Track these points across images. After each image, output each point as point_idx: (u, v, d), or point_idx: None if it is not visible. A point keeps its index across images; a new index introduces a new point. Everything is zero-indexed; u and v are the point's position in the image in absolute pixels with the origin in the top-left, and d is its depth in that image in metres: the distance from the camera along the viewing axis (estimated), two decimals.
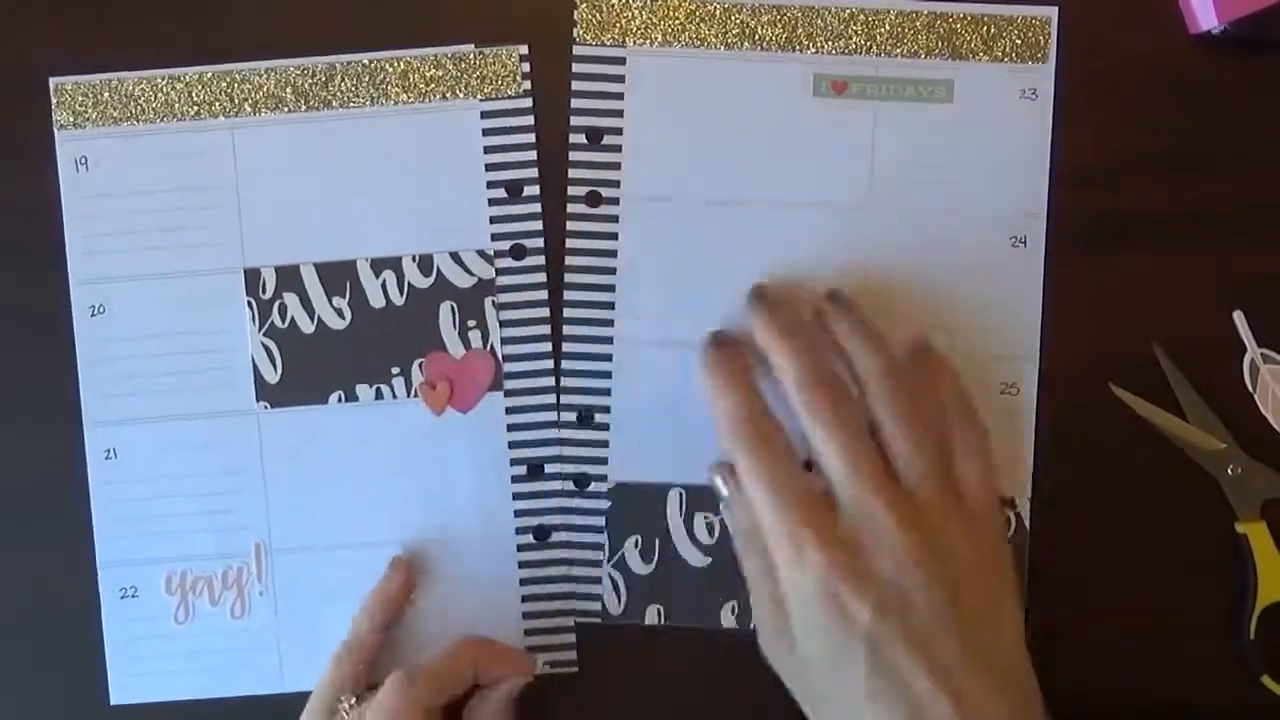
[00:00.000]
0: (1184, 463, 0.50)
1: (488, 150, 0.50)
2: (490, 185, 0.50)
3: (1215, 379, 0.50)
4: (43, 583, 0.50)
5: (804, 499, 0.43)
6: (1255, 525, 0.49)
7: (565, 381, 0.50)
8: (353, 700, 0.45)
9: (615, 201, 0.50)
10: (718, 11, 0.50)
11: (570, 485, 0.50)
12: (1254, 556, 0.49)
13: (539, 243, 0.50)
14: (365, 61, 0.49)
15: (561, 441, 0.50)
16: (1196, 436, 0.49)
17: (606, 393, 0.50)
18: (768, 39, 0.50)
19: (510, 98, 0.50)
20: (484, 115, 0.50)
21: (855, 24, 0.50)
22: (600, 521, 0.50)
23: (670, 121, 0.50)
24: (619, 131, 0.50)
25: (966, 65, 0.50)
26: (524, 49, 0.50)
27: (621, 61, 0.50)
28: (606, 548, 0.50)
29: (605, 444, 0.50)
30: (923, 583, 0.41)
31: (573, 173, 0.50)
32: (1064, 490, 0.50)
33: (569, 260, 0.50)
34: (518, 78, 0.50)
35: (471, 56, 0.50)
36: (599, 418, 0.50)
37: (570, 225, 0.50)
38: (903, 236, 0.50)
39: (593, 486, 0.50)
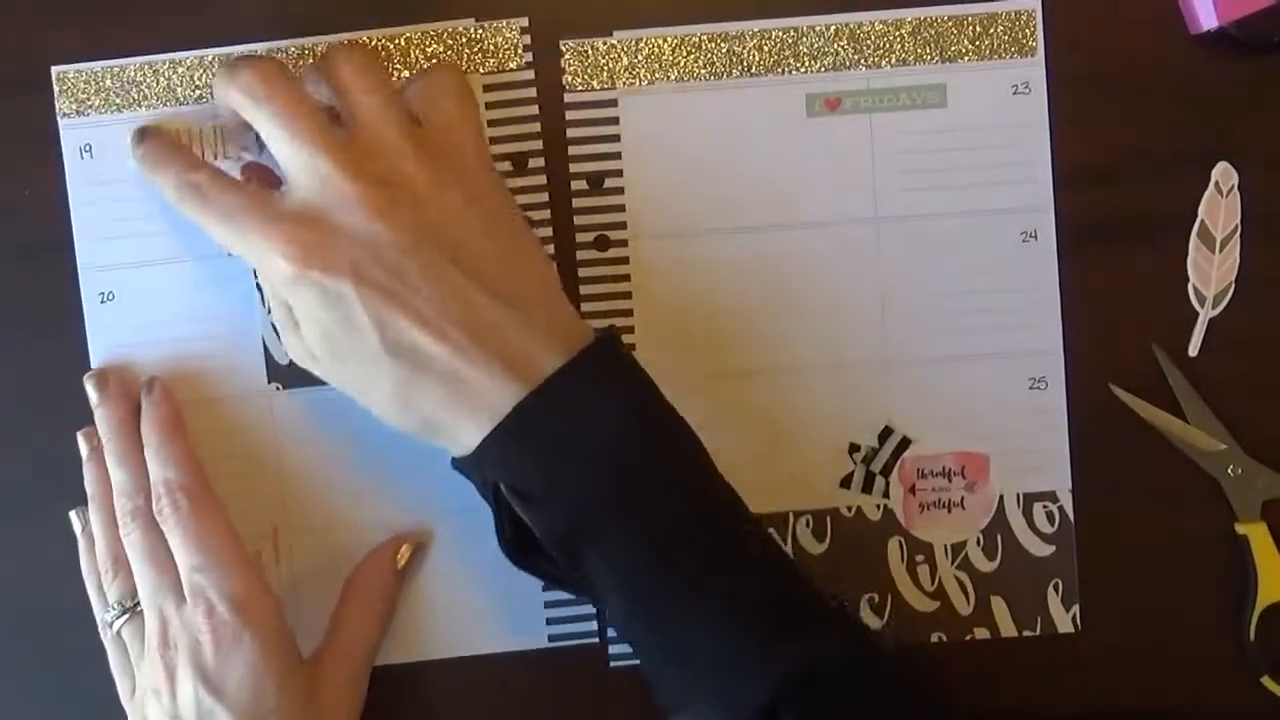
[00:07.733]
0: (1184, 463, 0.50)
1: (491, 124, 0.49)
2: (495, 159, 0.49)
3: (1215, 379, 0.50)
4: (57, 572, 0.50)
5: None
6: (1255, 526, 0.50)
7: None
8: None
9: (624, 243, 0.50)
10: (703, 41, 0.49)
11: None
12: (1254, 557, 0.50)
13: (545, 214, 0.50)
14: (366, 39, 0.49)
15: None
16: (1196, 437, 0.50)
17: None
18: (755, 64, 0.49)
19: (512, 70, 0.49)
20: (486, 89, 0.49)
21: (841, 39, 0.49)
22: None
23: (669, 158, 0.49)
24: (619, 174, 0.50)
25: (956, 67, 0.49)
26: (525, 21, 0.49)
27: (614, 104, 0.49)
28: None
29: None
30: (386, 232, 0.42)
31: (579, 219, 0.50)
32: None
33: (584, 307, 0.50)
34: (519, 50, 0.49)
35: (473, 30, 0.49)
36: None
37: (582, 271, 0.50)
38: (914, 245, 0.50)
39: None
